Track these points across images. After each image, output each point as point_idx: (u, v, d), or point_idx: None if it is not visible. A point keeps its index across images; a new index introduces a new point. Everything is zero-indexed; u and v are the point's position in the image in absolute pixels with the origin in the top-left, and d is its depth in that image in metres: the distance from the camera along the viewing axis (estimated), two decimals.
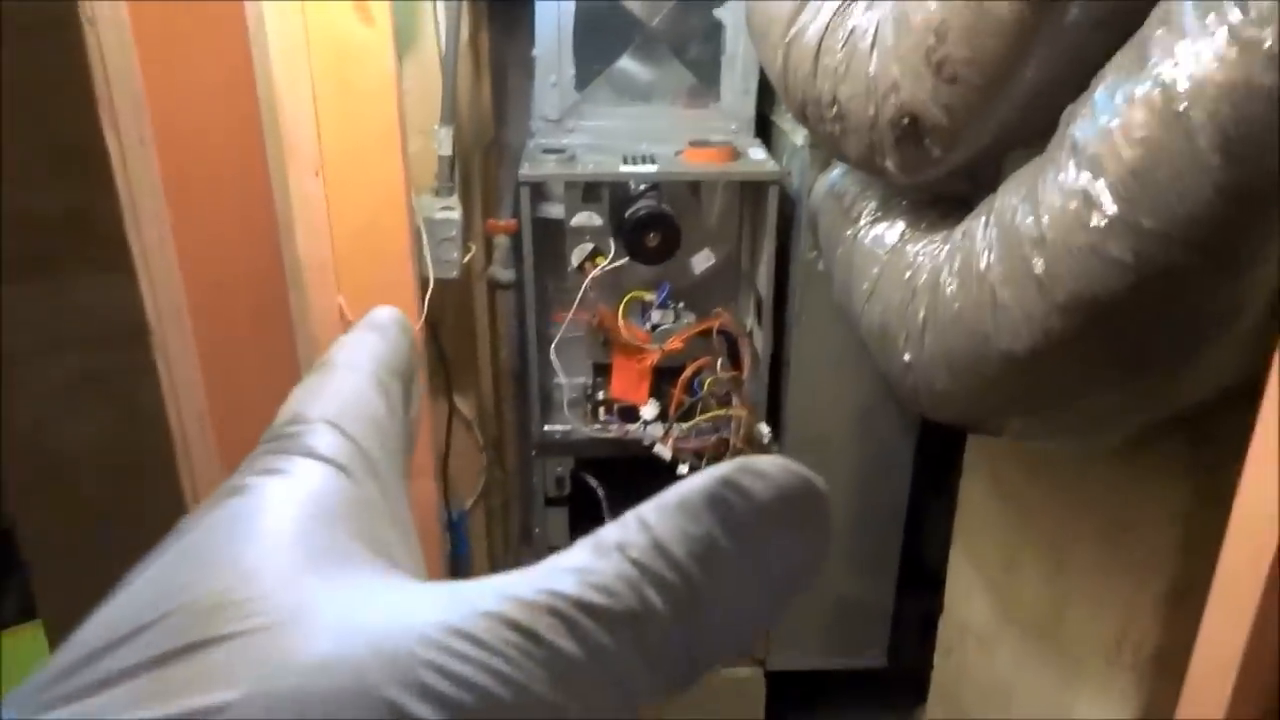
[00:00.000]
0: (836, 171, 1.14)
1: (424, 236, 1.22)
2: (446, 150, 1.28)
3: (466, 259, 1.31)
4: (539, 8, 1.34)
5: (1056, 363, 0.67)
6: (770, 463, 0.24)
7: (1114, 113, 0.59)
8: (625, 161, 1.30)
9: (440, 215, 1.26)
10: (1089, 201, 0.60)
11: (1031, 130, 0.78)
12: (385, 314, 0.34)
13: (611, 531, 0.23)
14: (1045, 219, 0.63)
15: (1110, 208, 0.58)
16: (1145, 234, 0.57)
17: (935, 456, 1.50)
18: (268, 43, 0.73)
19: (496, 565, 1.69)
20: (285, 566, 0.22)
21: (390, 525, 0.26)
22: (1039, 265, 0.64)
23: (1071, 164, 0.62)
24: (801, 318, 1.34)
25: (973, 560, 1.16)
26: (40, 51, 0.38)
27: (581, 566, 0.22)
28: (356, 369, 0.30)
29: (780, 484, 0.24)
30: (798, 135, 1.29)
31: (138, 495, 0.51)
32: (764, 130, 1.45)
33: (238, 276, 0.64)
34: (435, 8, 1.26)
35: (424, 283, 1.21)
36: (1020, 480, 1.02)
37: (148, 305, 0.44)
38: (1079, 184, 0.61)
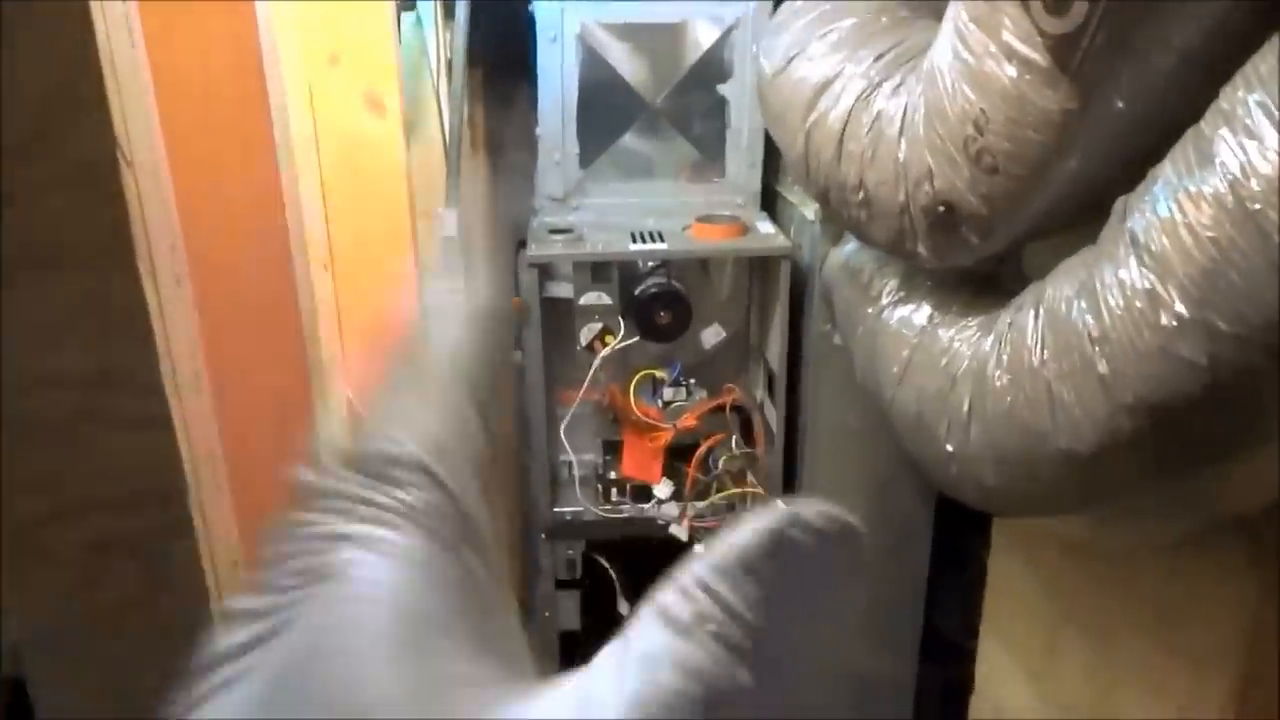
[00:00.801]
0: (850, 246, 1.13)
1: None
2: (451, 232, 1.26)
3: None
4: (541, 87, 1.32)
5: (1118, 461, 0.65)
6: (814, 511, 0.25)
7: (1178, 209, 0.58)
8: (633, 239, 1.29)
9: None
10: (1155, 300, 0.58)
11: (1066, 217, 0.77)
12: (482, 301, 0.31)
13: (679, 603, 0.23)
14: (1107, 317, 0.61)
15: (1180, 308, 0.57)
16: (1219, 336, 0.55)
17: (954, 524, 1.47)
18: (293, 149, 0.70)
19: None
20: (396, 697, 0.21)
21: (492, 604, 0.26)
22: (1102, 365, 0.62)
23: (1133, 260, 0.60)
24: (816, 391, 1.32)
25: (1006, 642, 1.12)
26: (82, 201, 0.36)
27: (670, 654, 0.22)
28: (455, 383, 0.28)
29: (827, 532, 0.25)
30: (807, 208, 1.28)
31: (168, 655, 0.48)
32: (769, 202, 1.44)
33: (267, 402, 0.61)
34: (438, 91, 1.25)
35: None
36: (1057, 562, 0.99)
37: (185, 461, 0.40)
38: (1144, 283, 0.59)
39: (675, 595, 0.23)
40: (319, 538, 0.24)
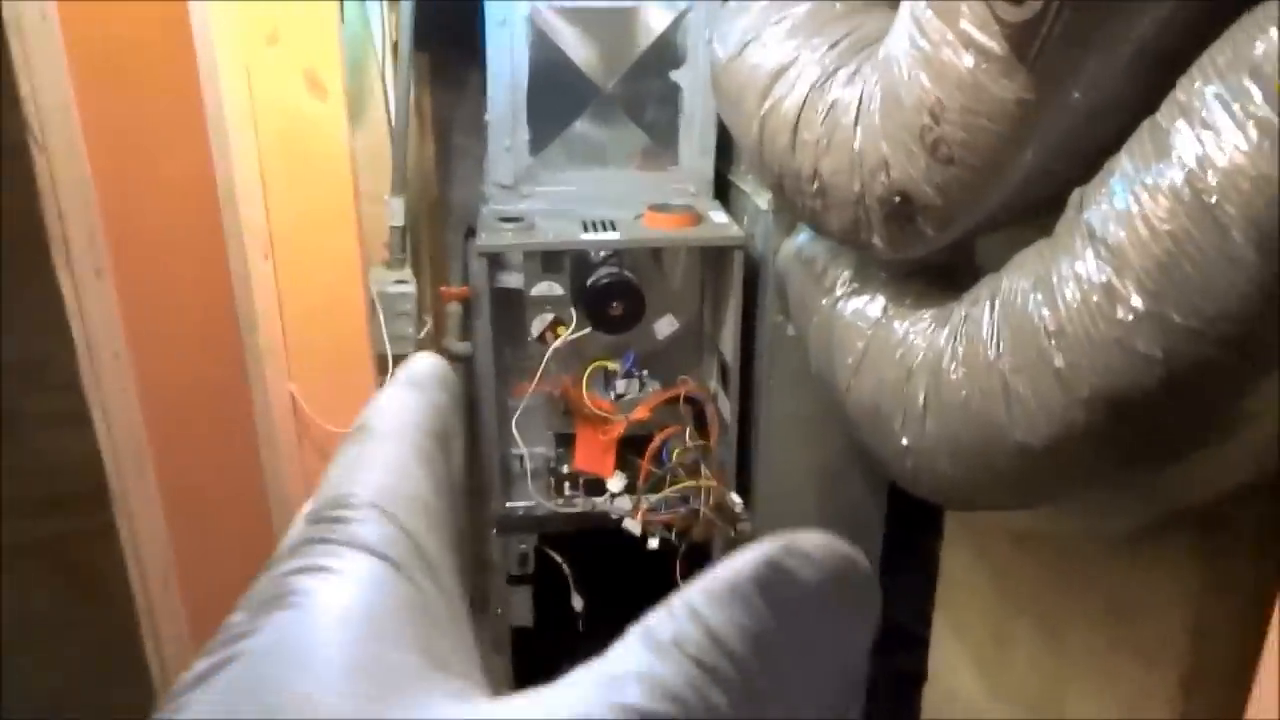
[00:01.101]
0: (803, 236, 1.12)
1: (380, 312, 1.16)
2: (399, 220, 1.23)
3: (423, 333, 1.25)
4: (491, 72, 1.29)
5: (1074, 455, 0.65)
6: (814, 543, 0.23)
7: (1135, 201, 0.57)
8: (585, 228, 1.26)
9: (394, 289, 1.21)
10: (1112, 294, 0.58)
11: (1022, 209, 0.76)
12: (424, 366, 0.32)
13: (663, 623, 0.22)
14: (1063, 310, 0.61)
15: (1137, 301, 0.56)
16: (1175, 329, 0.55)
17: (906, 514, 1.47)
18: (227, 131, 0.67)
19: None
20: (348, 706, 0.21)
21: (445, 624, 0.26)
22: (1058, 358, 0.61)
23: (1089, 252, 0.60)
24: (769, 382, 1.31)
25: (958, 632, 1.13)
26: None
27: (644, 672, 0.21)
28: (398, 438, 0.29)
29: (826, 565, 0.23)
30: (760, 198, 1.27)
31: (91, 664, 0.45)
32: (721, 190, 1.43)
33: (200, 398, 0.58)
34: (384, 75, 1.21)
35: (381, 360, 1.15)
36: (1008, 554, 0.99)
37: (106, 460, 0.38)
38: (1101, 276, 0.58)
39: (660, 616, 0.22)
40: (274, 578, 0.24)
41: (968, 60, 0.66)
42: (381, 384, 1.16)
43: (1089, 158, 0.66)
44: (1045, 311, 0.63)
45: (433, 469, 0.29)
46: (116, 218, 0.44)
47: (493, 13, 1.27)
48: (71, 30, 0.41)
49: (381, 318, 1.16)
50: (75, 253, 0.36)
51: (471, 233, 1.57)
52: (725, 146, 1.38)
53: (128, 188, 0.50)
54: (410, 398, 0.30)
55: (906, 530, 1.52)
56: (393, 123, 1.23)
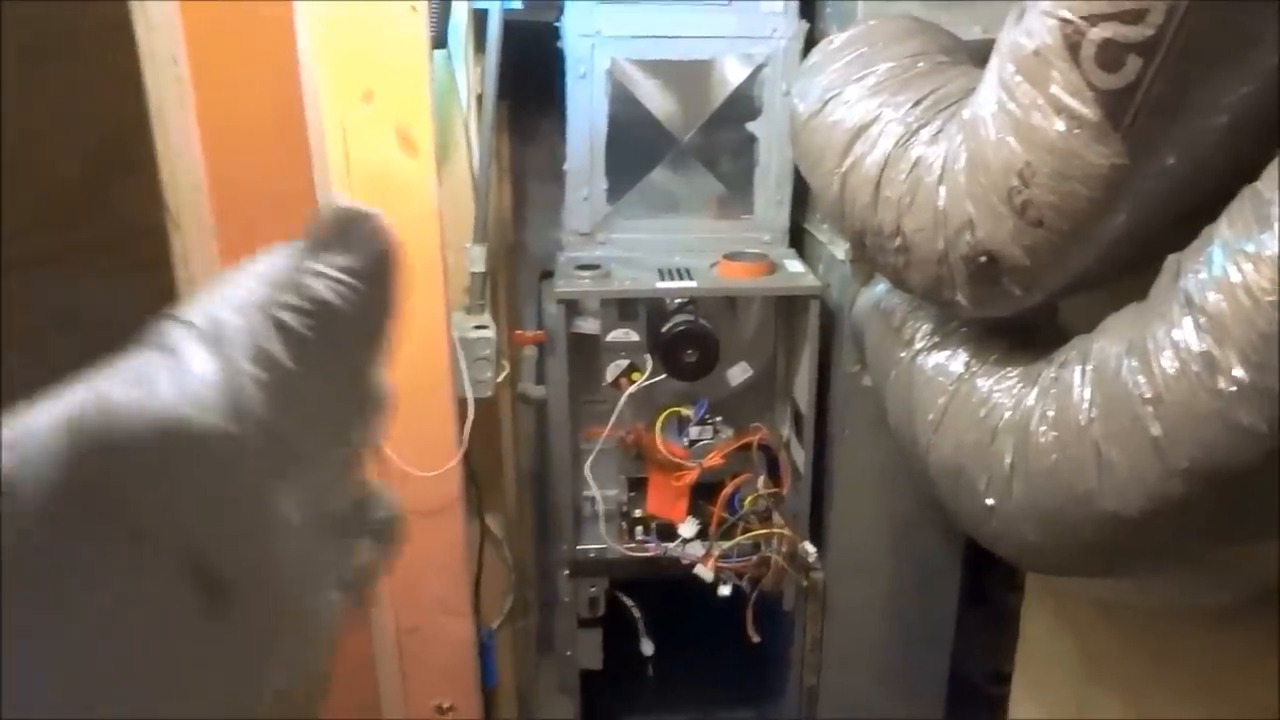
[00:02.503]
0: (881, 287, 1.12)
1: (460, 357, 1.18)
2: (480, 267, 1.26)
3: (501, 377, 1.27)
4: (570, 123, 1.32)
5: (1167, 527, 0.63)
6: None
7: (1236, 270, 0.56)
8: (661, 276, 1.28)
9: (475, 334, 1.23)
10: (1212, 364, 0.56)
11: (1111, 272, 0.75)
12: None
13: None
14: (1160, 378, 0.60)
15: (1239, 372, 0.55)
16: None
17: (982, 568, 1.45)
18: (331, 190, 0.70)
19: (524, 692, 1.62)
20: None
21: None
22: (1155, 427, 0.60)
23: (1187, 320, 0.59)
24: (844, 431, 1.30)
25: (1037, 696, 1.10)
26: (129, 266, 0.35)
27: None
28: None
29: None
30: (837, 247, 1.27)
31: None
32: (796, 239, 1.43)
33: None
34: (468, 126, 1.25)
35: (461, 404, 1.17)
36: (1092, 619, 0.97)
37: None
38: (1200, 345, 0.57)
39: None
40: None
41: (1059, 125, 0.66)
42: (462, 430, 1.18)
43: (1183, 222, 0.65)
44: (1141, 378, 0.62)
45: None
46: None
47: (573, 65, 1.30)
48: (202, 111, 0.43)
49: (463, 362, 1.18)
50: None
51: (546, 276, 1.61)
52: (800, 195, 1.39)
53: (245, 254, 0.52)
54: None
55: (983, 584, 1.49)
56: (476, 173, 1.26)
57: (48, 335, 0.36)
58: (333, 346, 0.23)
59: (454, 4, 1.19)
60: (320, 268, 0.23)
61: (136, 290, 0.37)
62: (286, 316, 0.22)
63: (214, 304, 0.21)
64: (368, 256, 0.25)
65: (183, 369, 0.19)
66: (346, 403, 0.25)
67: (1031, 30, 0.66)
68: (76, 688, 0.16)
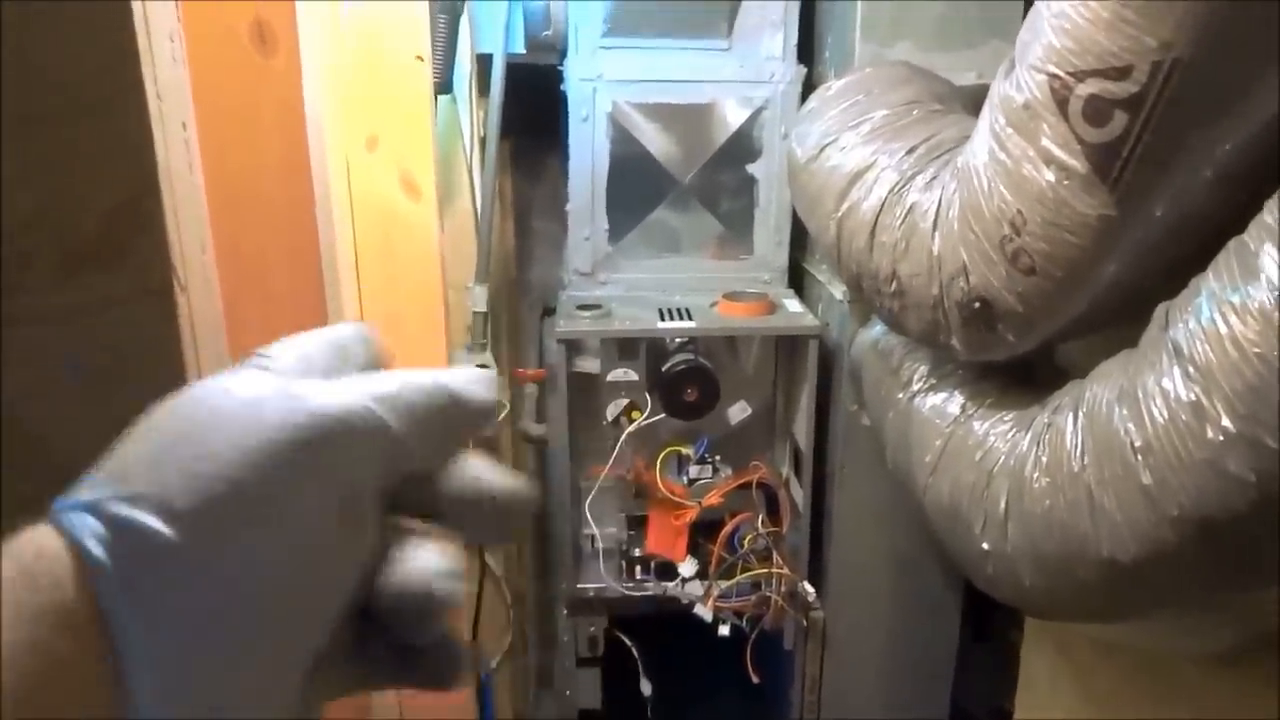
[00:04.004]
0: (879, 327, 1.13)
1: None
2: (481, 307, 1.27)
3: (502, 415, 1.28)
4: (572, 164, 1.34)
5: (1161, 573, 0.64)
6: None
7: (1223, 321, 0.57)
8: (661, 316, 1.29)
9: None
10: (1201, 414, 0.57)
11: (1104, 319, 0.76)
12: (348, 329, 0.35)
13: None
14: (1150, 426, 0.61)
15: (1227, 423, 0.56)
16: (1269, 453, 0.54)
17: (982, 606, 1.44)
18: (336, 250, 0.71)
19: None
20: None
21: None
22: (1146, 475, 0.61)
23: (1176, 370, 0.60)
24: (843, 470, 1.31)
25: None
26: (136, 326, 0.36)
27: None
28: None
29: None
30: (836, 288, 1.28)
31: None
32: (796, 278, 1.44)
33: None
34: (470, 167, 1.27)
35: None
36: (1092, 659, 0.97)
37: None
38: (1189, 395, 0.58)
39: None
40: None
41: (1049, 175, 0.67)
42: None
43: (1173, 271, 0.67)
44: (1131, 426, 0.62)
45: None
46: (235, 343, 0.47)
47: (575, 108, 1.32)
48: (209, 170, 0.45)
49: None
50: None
51: (548, 313, 1.62)
52: (800, 235, 1.40)
53: (247, 311, 0.53)
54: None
55: (984, 622, 1.49)
56: (478, 214, 1.28)
57: (61, 386, 0.37)
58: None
59: (458, 49, 1.21)
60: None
61: (146, 347, 0.38)
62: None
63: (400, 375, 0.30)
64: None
65: (371, 385, 0.28)
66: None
67: (1021, 84, 0.68)
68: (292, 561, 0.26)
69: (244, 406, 0.26)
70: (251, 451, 0.25)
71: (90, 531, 0.23)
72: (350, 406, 0.27)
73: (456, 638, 0.31)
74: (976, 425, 0.86)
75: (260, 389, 0.27)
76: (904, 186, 0.87)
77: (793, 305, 1.34)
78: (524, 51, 1.33)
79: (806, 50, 1.35)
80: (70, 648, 0.23)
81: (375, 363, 0.33)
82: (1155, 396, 0.61)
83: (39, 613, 0.22)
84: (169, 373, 0.38)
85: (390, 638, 0.30)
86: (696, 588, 1.34)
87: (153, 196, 0.38)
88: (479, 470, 0.32)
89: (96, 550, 0.23)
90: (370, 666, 0.31)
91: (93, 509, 0.24)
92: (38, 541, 0.24)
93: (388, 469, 0.28)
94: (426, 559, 0.29)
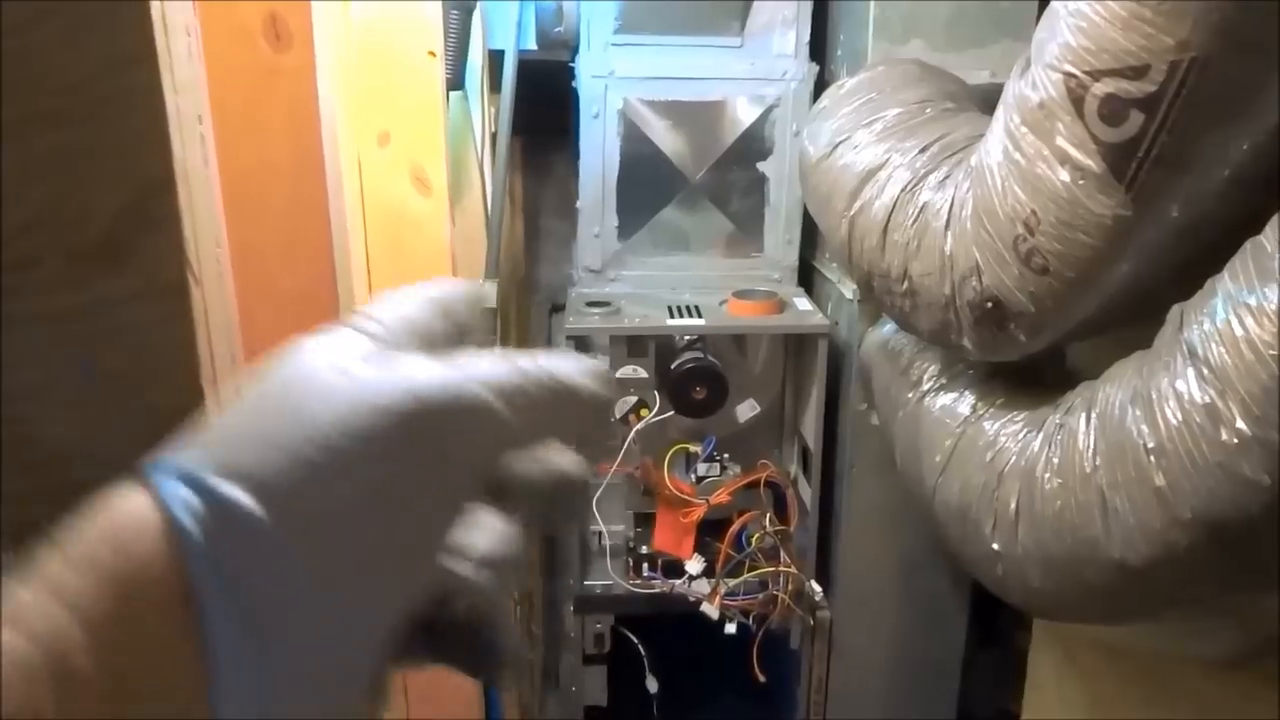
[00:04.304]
0: (889, 327, 1.12)
1: None
2: (491, 304, 1.27)
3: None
4: (583, 161, 1.34)
5: (1172, 575, 0.63)
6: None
7: (1238, 323, 0.57)
8: (670, 314, 1.29)
9: None
10: (1215, 416, 0.57)
11: (1116, 319, 0.76)
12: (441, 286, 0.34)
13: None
14: (1163, 428, 0.60)
15: (1242, 425, 0.56)
16: None
17: (988, 607, 1.44)
18: (349, 244, 0.71)
19: None
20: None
21: None
22: (1159, 477, 0.60)
23: (1190, 372, 0.59)
24: (851, 469, 1.31)
25: None
26: (151, 320, 0.36)
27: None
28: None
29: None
30: (845, 286, 1.28)
31: None
32: (805, 276, 1.44)
33: None
34: (481, 164, 1.27)
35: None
36: (1098, 662, 0.96)
37: None
38: (1203, 397, 0.58)
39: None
40: None
41: (1064, 175, 0.67)
42: None
43: (1186, 271, 0.66)
44: (1144, 428, 0.62)
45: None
46: (248, 340, 0.47)
47: (587, 105, 1.32)
48: (223, 164, 0.45)
49: None
50: (221, 377, 0.40)
51: (557, 310, 1.62)
52: (810, 234, 1.40)
53: (258, 307, 0.53)
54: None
55: (991, 625, 1.48)
56: (488, 210, 1.28)
57: (70, 387, 0.37)
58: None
59: (470, 46, 1.21)
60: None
61: (161, 342, 0.38)
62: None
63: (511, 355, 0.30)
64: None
65: (481, 366, 0.27)
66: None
67: (1037, 83, 0.68)
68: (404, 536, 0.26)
69: (351, 384, 0.25)
70: (356, 435, 0.24)
71: (184, 504, 0.23)
72: (461, 391, 0.26)
73: (513, 631, 0.31)
74: (987, 425, 0.86)
75: (367, 363, 0.26)
76: (917, 185, 0.87)
77: (802, 304, 1.34)
78: (535, 48, 1.33)
79: (818, 48, 1.35)
80: (158, 623, 0.22)
81: (474, 323, 0.32)
82: (1169, 398, 0.61)
83: (128, 584, 0.22)
84: (182, 373, 0.38)
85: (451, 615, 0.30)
86: (703, 586, 1.34)
87: (169, 191, 0.38)
88: (553, 454, 0.31)
89: (190, 524, 0.23)
90: (429, 644, 0.30)
91: (189, 480, 0.23)
92: (127, 509, 0.23)
93: (491, 458, 0.28)
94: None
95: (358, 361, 0.26)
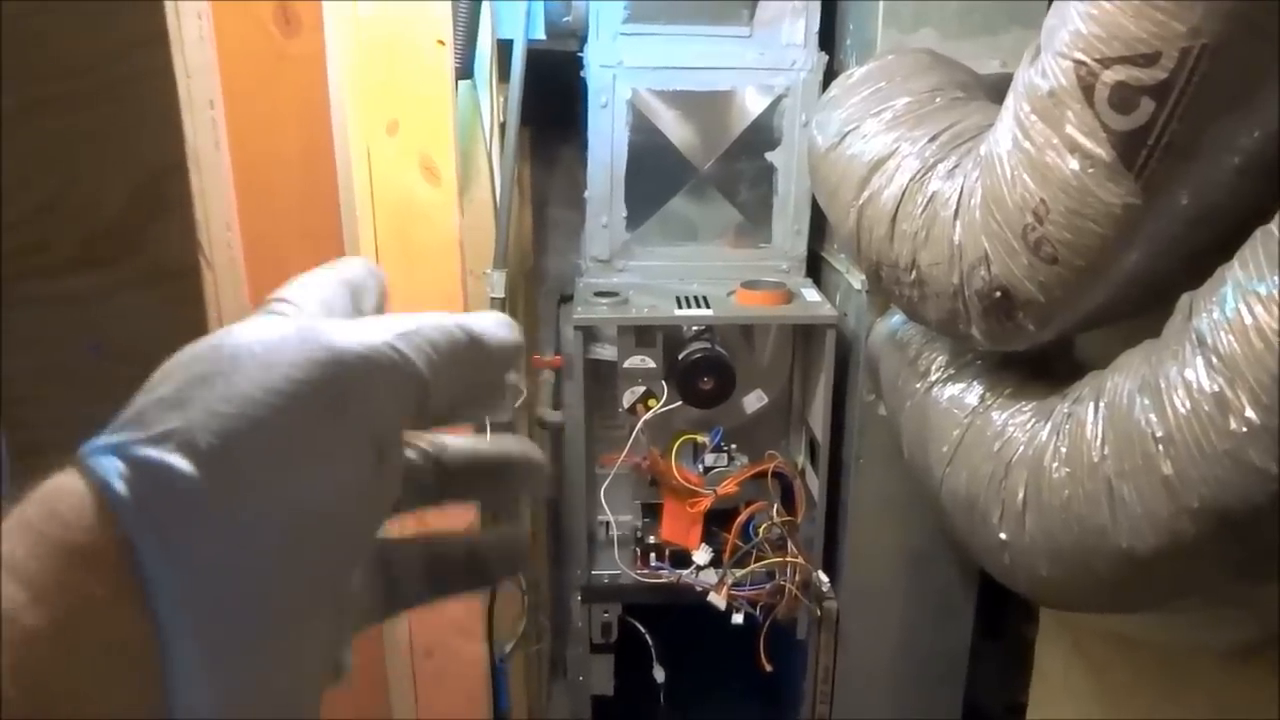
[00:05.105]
0: (897, 317, 1.12)
1: None
2: (499, 293, 1.27)
3: (519, 402, 1.28)
4: (591, 151, 1.34)
5: (1181, 564, 0.63)
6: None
7: (1248, 312, 0.57)
8: (678, 304, 1.29)
9: None
10: (1224, 405, 0.57)
11: (1125, 309, 0.76)
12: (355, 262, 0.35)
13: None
14: (1172, 417, 0.60)
15: (1251, 414, 0.55)
16: None
17: (995, 598, 1.44)
18: (358, 232, 0.71)
19: (536, 717, 1.62)
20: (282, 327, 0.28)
21: None
22: (1167, 466, 0.60)
23: (1199, 361, 0.59)
24: (859, 460, 1.31)
25: None
26: (162, 303, 0.36)
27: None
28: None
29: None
30: (854, 277, 1.28)
31: None
32: (814, 267, 1.44)
33: None
34: (490, 154, 1.27)
35: (479, 428, 1.18)
36: (1107, 653, 0.96)
37: None
38: (1212, 385, 0.58)
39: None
40: None
41: (1073, 164, 0.66)
42: None
43: (1196, 260, 0.66)
44: (1153, 417, 0.62)
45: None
46: None
47: (595, 95, 1.32)
48: (234, 149, 0.45)
49: None
50: None
51: (565, 300, 1.62)
52: (818, 224, 1.40)
53: (268, 294, 0.54)
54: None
55: (999, 616, 1.48)
56: (497, 200, 1.28)
57: (87, 366, 0.38)
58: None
59: (479, 35, 1.21)
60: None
61: (171, 325, 0.38)
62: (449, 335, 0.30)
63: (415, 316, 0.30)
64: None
65: (392, 324, 0.29)
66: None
67: (1046, 71, 0.68)
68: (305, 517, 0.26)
69: (267, 348, 0.26)
70: (275, 391, 0.25)
71: (114, 471, 0.23)
72: (373, 344, 0.27)
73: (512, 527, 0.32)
74: (995, 415, 0.86)
75: (283, 330, 0.27)
76: (926, 175, 0.86)
77: (810, 294, 1.34)
78: (544, 38, 1.33)
79: (828, 38, 1.34)
80: (99, 585, 0.23)
81: (384, 299, 0.34)
82: (1178, 387, 0.61)
83: (67, 550, 0.23)
84: None
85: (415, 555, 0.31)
86: (710, 576, 1.34)
87: (180, 175, 0.38)
88: (492, 439, 0.32)
89: (120, 488, 0.23)
90: (398, 594, 0.32)
91: (115, 450, 0.24)
92: (61, 484, 0.24)
93: (411, 407, 0.28)
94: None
95: (273, 331, 0.27)
